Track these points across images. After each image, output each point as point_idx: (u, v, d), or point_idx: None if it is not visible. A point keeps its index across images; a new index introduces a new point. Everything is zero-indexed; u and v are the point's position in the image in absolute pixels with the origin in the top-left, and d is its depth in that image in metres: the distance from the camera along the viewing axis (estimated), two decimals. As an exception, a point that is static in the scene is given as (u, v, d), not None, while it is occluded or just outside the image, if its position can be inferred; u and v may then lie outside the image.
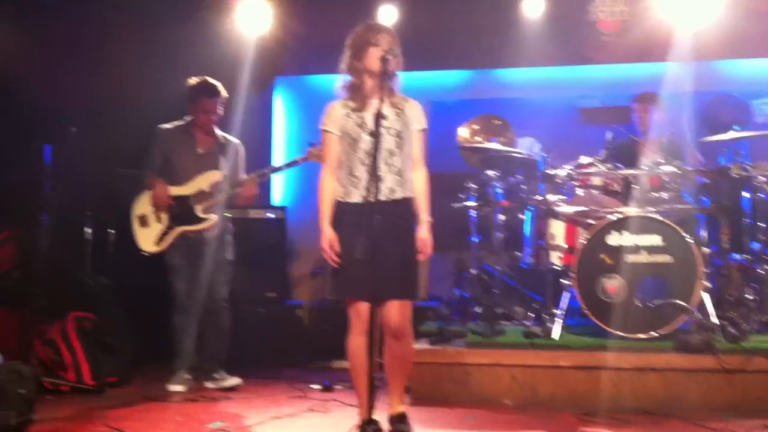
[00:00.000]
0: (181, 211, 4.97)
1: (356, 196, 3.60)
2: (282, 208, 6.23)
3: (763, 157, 5.25)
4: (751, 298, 4.90)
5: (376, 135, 3.36)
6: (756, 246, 5.07)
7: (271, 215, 6.15)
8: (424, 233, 3.69)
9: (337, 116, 3.68)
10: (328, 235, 3.61)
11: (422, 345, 4.80)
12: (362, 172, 3.58)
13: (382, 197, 3.57)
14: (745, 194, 5.11)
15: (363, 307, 3.49)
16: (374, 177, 3.35)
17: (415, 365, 4.50)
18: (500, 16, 6.55)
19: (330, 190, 3.67)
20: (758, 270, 4.99)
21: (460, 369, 4.61)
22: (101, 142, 5.75)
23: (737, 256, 5.17)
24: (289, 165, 5.04)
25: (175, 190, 4.99)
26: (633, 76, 6.57)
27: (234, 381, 5.00)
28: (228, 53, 6.26)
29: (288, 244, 6.35)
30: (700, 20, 6.04)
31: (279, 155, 7.04)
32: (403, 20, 6.50)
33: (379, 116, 3.40)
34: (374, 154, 3.37)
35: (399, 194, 3.64)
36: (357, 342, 3.57)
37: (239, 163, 5.20)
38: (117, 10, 5.99)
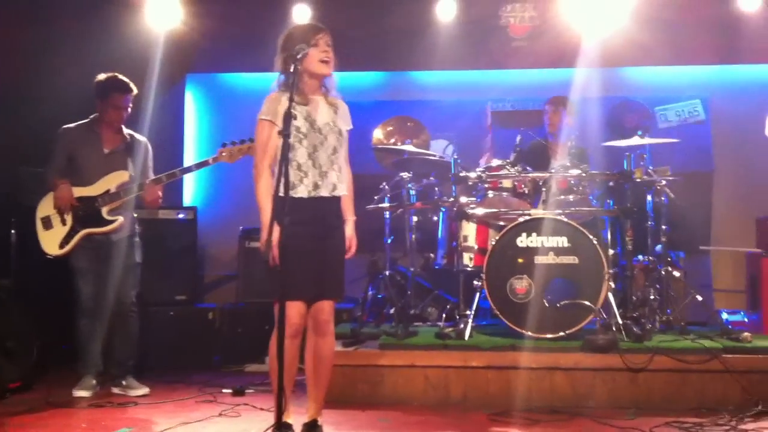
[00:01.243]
0: (86, 212, 4.80)
1: (302, 191, 3.56)
2: (192, 209, 6.09)
3: (665, 161, 5.43)
4: (653, 297, 5.07)
5: (285, 135, 3.31)
6: (658, 248, 5.26)
7: (182, 216, 6.00)
8: (350, 231, 3.74)
9: (277, 107, 3.59)
10: (275, 234, 3.47)
11: (336, 347, 4.74)
12: (309, 167, 3.57)
13: (326, 193, 3.59)
14: (648, 198, 5.29)
15: (291, 308, 3.46)
16: (286, 175, 3.28)
17: (328, 368, 4.52)
18: (414, 18, 6.58)
19: (268, 184, 3.57)
20: (661, 271, 5.17)
21: (373, 371, 4.62)
22: (1, 140, 5.50)
23: (641, 258, 5.36)
24: (199, 165, 4.93)
25: (80, 191, 4.81)
26: (543, 80, 6.72)
27: (142, 390, 4.86)
28: (136, 49, 6.09)
29: (199, 245, 6.22)
30: (606, 28, 6.22)
31: (190, 154, 6.88)
32: (317, 20, 6.43)
33: (289, 116, 3.35)
34: (285, 154, 3.31)
35: (339, 191, 3.67)
36: (289, 343, 3.44)
37: (148, 163, 5.06)
38: (12, 2, 5.76)
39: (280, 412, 3.18)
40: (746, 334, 4.68)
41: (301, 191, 3.54)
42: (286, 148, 3.30)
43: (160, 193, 4.90)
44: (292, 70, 3.47)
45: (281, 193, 3.25)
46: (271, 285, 3.44)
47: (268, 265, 3.40)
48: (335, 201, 3.66)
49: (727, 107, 6.46)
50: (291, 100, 3.42)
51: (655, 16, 6.19)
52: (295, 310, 3.48)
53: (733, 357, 4.44)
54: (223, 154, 4.71)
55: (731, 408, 4.23)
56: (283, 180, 3.25)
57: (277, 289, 3.30)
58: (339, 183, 3.66)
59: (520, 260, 4.81)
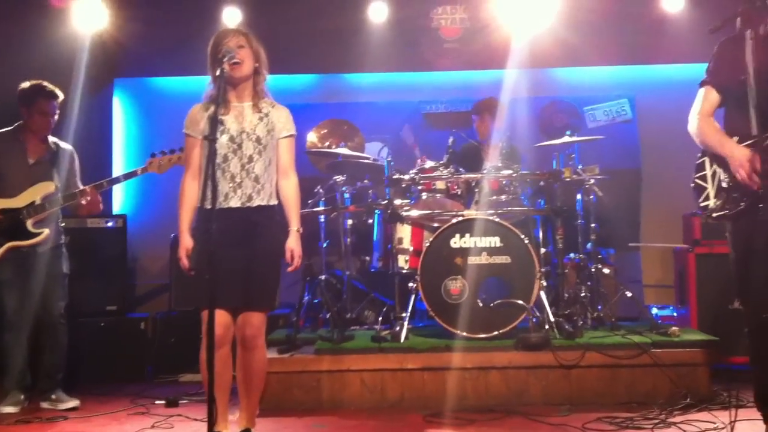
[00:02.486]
0: (10, 225, 4.64)
1: (235, 201, 3.51)
2: (122, 217, 5.95)
3: (594, 160, 5.52)
4: (584, 295, 5.16)
5: (211, 140, 3.26)
6: (589, 245, 5.35)
7: (111, 224, 5.86)
8: (292, 243, 3.62)
9: (198, 119, 3.57)
10: (184, 244, 3.51)
11: (271, 354, 4.72)
12: (220, 178, 3.50)
13: (238, 203, 3.51)
14: (578, 196, 5.38)
15: (223, 318, 3.43)
16: (212, 184, 3.24)
17: (262, 375, 4.47)
18: (346, 20, 6.57)
19: (190, 195, 3.56)
20: (591, 268, 5.26)
21: (309, 376, 4.59)
22: None
23: (572, 256, 5.45)
24: (127, 176, 4.81)
25: (4, 203, 4.66)
26: (475, 82, 6.79)
27: (72, 403, 4.73)
28: (61, 53, 5.93)
29: (129, 254, 6.08)
30: (535, 29, 6.31)
31: (119, 160, 6.73)
32: (248, 23, 6.38)
33: (215, 121, 3.31)
34: (212, 160, 3.26)
35: (256, 201, 3.56)
36: (216, 354, 3.41)
37: (75, 171, 4.94)
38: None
39: (211, 422, 3.13)
40: (674, 328, 4.79)
41: (210, 202, 3.44)
42: (212, 154, 3.26)
43: (99, 198, 4.79)
44: (218, 74, 3.43)
45: (206, 204, 3.21)
46: (196, 294, 3.43)
47: (197, 274, 3.37)
48: (254, 211, 3.55)
49: (653, 106, 6.62)
50: (217, 105, 3.38)
51: (582, 17, 6.30)
52: (216, 320, 3.40)
53: (661, 351, 4.54)
54: (152, 164, 4.62)
55: (661, 401, 4.32)
56: (208, 189, 3.22)
57: (200, 298, 3.27)
58: (255, 193, 3.55)
59: (453, 261, 4.83)
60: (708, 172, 3.45)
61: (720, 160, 3.38)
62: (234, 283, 3.46)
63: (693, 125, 3.51)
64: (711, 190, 3.41)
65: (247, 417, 3.64)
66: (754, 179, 3.16)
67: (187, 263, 3.48)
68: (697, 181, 3.49)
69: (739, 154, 3.24)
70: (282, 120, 3.67)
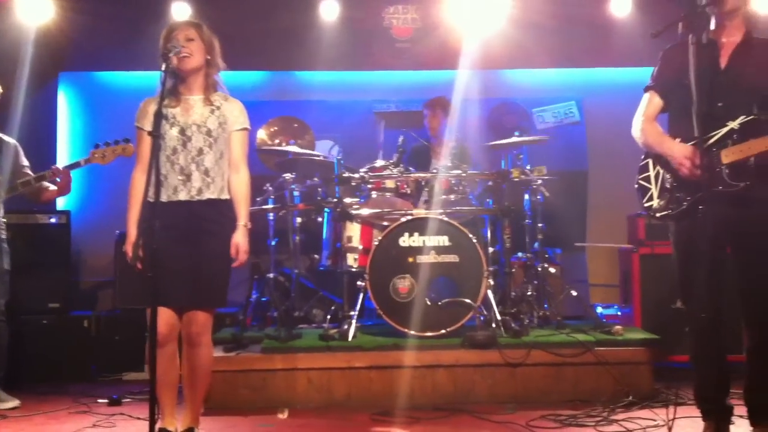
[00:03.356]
0: (-50, 220, 4.53)
1: (164, 196, 3.42)
2: (65, 213, 5.82)
3: (542, 161, 5.58)
4: (531, 293, 5.22)
5: (155, 135, 3.21)
6: (536, 245, 5.41)
7: (54, 220, 5.73)
8: (239, 238, 3.56)
9: (148, 112, 3.51)
10: (132, 239, 3.46)
11: (217, 352, 4.66)
12: (168, 170, 3.46)
13: (187, 197, 3.48)
14: (526, 196, 5.44)
15: (162, 316, 3.35)
16: (156, 178, 3.21)
17: (208, 374, 4.42)
18: (298, 18, 6.54)
19: (139, 190, 3.45)
20: (538, 267, 5.32)
21: (256, 375, 4.55)
22: None
23: (520, 255, 5.51)
24: (70, 167, 4.72)
25: (-56, 199, 4.54)
26: (426, 82, 6.81)
27: (12, 403, 4.63)
28: (5, 46, 5.81)
29: (73, 250, 5.96)
30: (486, 31, 6.35)
31: (63, 156, 6.59)
32: (196, 17, 6.31)
33: (159, 116, 3.26)
34: (156, 154, 3.22)
35: (206, 195, 3.52)
36: (160, 352, 3.36)
37: (22, 163, 4.87)
38: None
39: (152, 421, 3.09)
40: (618, 327, 4.87)
41: (163, 196, 3.39)
42: (156, 149, 3.22)
43: (71, 177, 4.71)
44: (163, 68, 3.38)
45: (150, 198, 3.17)
46: (142, 292, 3.34)
47: (142, 271, 3.32)
48: (205, 205, 3.51)
49: (600, 109, 6.72)
50: (162, 99, 3.33)
51: (532, 20, 6.36)
52: (160, 319, 3.33)
53: (605, 350, 4.61)
54: (96, 155, 4.53)
55: (604, 399, 4.38)
56: (153, 183, 3.18)
57: (146, 296, 3.20)
58: (205, 187, 3.51)
59: (402, 260, 4.85)
60: (651, 173, 3.51)
61: (663, 161, 3.45)
62: (181, 280, 3.41)
63: (636, 128, 3.58)
64: (654, 191, 3.47)
65: (191, 415, 3.59)
66: (696, 173, 3.22)
67: (133, 259, 3.40)
68: (640, 182, 3.56)
69: (678, 151, 3.32)
70: (235, 113, 3.64)
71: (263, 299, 5.41)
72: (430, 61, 6.69)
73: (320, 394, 4.55)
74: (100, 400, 4.73)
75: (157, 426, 3.27)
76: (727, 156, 3.24)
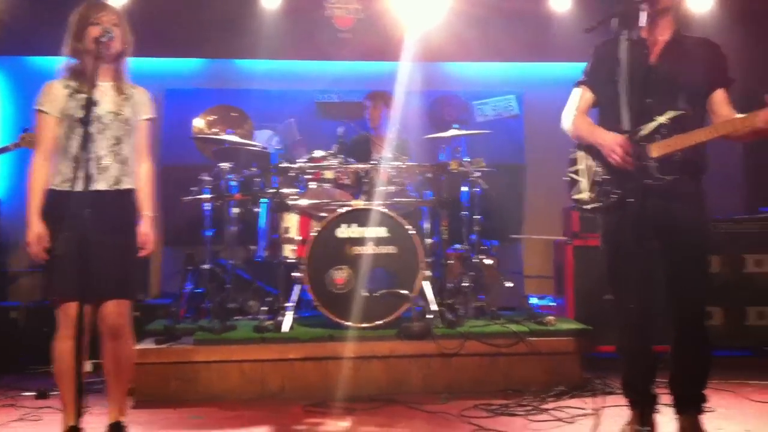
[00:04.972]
0: None
1: (76, 185, 3.31)
2: (-6, 200, 5.68)
3: (482, 154, 5.62)
4: (467, 285, 5.25)
5: (84, 123, 3.12)
6: (473, 237, 5.45)
7: (-19, 208, 5.58)
8: (146, 228, 3.53)
9: (57, 96, 3.40)
10: (35, 229, 3.33)
11: (148, 345, 4.61)
12: (84, 158, 3.34)
13: (105, 186, 3.40)
14: (464, 188, 5.47)
15: (72, 308, 3.25)
16: (84, 167, 3.12)
17: (139, 366, 4.35)
18: (238, 5, 6.47)
19: (41, 177, 3.39)
20: (474, 259, 5.36)
21: (188, 367, 4.49)
22: None
23: (457, 246, 5.54)
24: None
25: None
26: (369, 73, 6.80)
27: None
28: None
29: (1, 239, 5.79)
30: (428, 23, 6.37)
31: (-7, 142, 6.40)
32: (135, 3, 6.20)
33: (89, 102, 3.17)
34: (84, 142, 3.13)
35: (124, 184, 3.47)
36: (64, 346, 3.30)
37: None
38: None
39: (78, 413, 3.01)
40: (550, 317, 4.94)
41: (76, 184, 3.21)
42: (87, 136, 3.13)
43: None
44: (96, 53, 3.28)
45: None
46: (62, 283, 3.25)
47: (64, 261, 3.21)
48: (119, 195, 3.45)
49: (539, 103, 6.79)
50: (92, 85, 3.23)
51: (473, 13, 6.40)
52: (70, 310, 3.25)
53: (537, 340, 4.67)
54: (25, 139, 4.41)
55: (535, 388, 4.45)
56: (80, 172, 3.08)
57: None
58: (123, 176, 3.45)
59: (340, 251, 4.83)
60: (582, 165, 3.55)
61: (594, 153, 3.49)
62: (102, 272, 3.33)
63: (567, 121, 3.62)
64: (584, 183, 3.52)
65: (118, 408, 3.51)
66: (627, 160, 3.27)
67: (36, 250, 3.30)
68: (570, 174, 3.60)
69: (611, 138, 3.35)
70: (144, 102, 3.58)
71: (198, 290, 5.33)
72: (372, 52, 6.68)
73: (254, 386, 4.51)
74: (26, 393, 4.62)
75: (68, 423, 3.22)
76: (655, 150, 3.30)
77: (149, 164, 3.61)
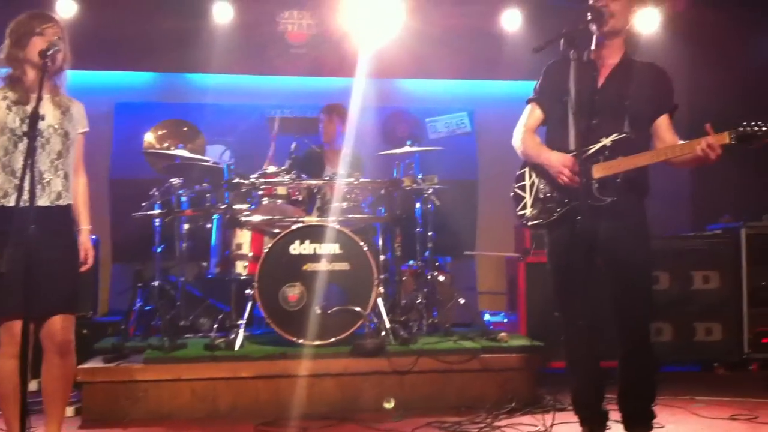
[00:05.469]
0: None
1: (20, 201, 3.19)
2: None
3: (434, 171, 5.64)
4: (421, 301, 5.25)
5: (30, 137, 3.05)
6: (427, 253, 5.46)
7: None
8: (86, 243, 3.50)
9: None
10: None
11: (96, 363, 4.51)
12: (26, 174, 3.26)
13: (47, 202, 3.33)
14: (417, 205, 5.48)
15: (16, 326, 3.16)
16: (31, 181, 3.04)
17: (87, 385, 4.29)
18: (190, 19, 6.42)
19: None
20: (427, 276, 5.36)
21: (136, 386, 4.40)
22: None
23: (411, 263, 5.54)
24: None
25: None
26: (322, 88, 6.80)
27: None
28: None
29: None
30: (382, 40, 6.39)
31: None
32: (84, 15, 6.13)
33: (35, 116, 3.10)
34: (30, 156, 3.05)
35: (65, 200, 3.41)
36: (7, 365, 3.21)
37: None
38: None
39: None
40: (503, 334, 4.97)
41: (14, 200, 3.18)
42: (32, 150, 3.05)
43: None
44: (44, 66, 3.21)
45: (21, 202, 3.00)
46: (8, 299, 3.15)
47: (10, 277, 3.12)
48: (59, 210, 3.39)
49: (490, 120, 6.88)
50: (39, 98, 3.15)
51: (426, 30, 6.45)
52: (14, 328, 3.17)
53: (490, 356, 4.69)
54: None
55: (488, 405, 4.45)
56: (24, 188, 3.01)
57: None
58: (64, 191, 3.41)
59: (293, 268, 4.79)
60: (527, 182, 3.61)
61: (539, 171, 3.54)
62: (53, 286, 3.27)
63: (517, 138, 3.67)
64: (528, 200, 3.57)
65: (57, 427, 3.42)
66: (575, 180, 3.32)
67: None
68: (516, 190, 3.65)
69: (557, 159, 3.41)
70: (81, 115, 3.55)
71: (147, 308, 5.23)
72: (325, 68, 6.69)
73: (204, 405, 4.43)
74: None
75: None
76: (598, 171, 3.36)
77: (85, 178, 3.59)
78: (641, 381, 3.49)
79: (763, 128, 3.06)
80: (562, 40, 3.39)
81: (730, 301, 5.74)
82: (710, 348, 5.69)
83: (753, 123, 3.08)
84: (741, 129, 3.09)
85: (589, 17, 3.41)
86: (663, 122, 3.47)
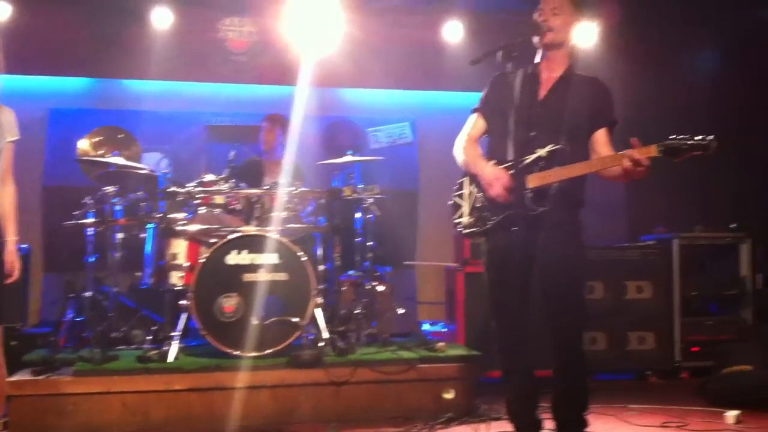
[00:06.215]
0: None
1: None
2: None
3: (376, 180, 5.65)
4: (360, 311, 5.23)
5: None
6: (366, 263, 5.44)
7: None
8: (12, 255, 3.41)
9: None
10: None
11: (24, 376, 4.37)
12: None
13: None
14: (357, 214, 5.47)
15: None
16: None
17: (15, 398, 4.16)
18: (127, 24, 6.30)
19: None
20: (367, 286, 5.35)
21: (67, 399, 4.27)
22: None
23: (351, 273, 5.52)
24: None
25: None
26: (263, 97, 6.74)
27: None
28: None
29: None
30: (324, 49, 6.35)
31: None
32: (18, 18, 5.97)
33: None
34: None
35: None
36: None
37: None
38: None
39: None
40: (441, 344, 4.97)
41: None
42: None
43: None
44: None
45: None
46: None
47: None
48: None
49: (432, 130, 6.90)
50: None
51: (368, 40, 6.45)
52: None
53: (428, 366, 4.69)
54: None
55: (425, 415, 4.45)
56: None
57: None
58: None
59: (229, 278, 4.72)
60: (466, 191, 3.62)
61: (476, 180, 3.56)
62: None
63: (458, 148, 3.68)
64: (466, 208, 3.58)
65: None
66: (502, 194, 3.35)
67: None
68: (455, 198, 3.67)
69: (489, 171, 3.43)
70: (11, 122, 3.46)
71: (79, 319, 5.10)
72: (266, 76, 6.63)
73: (136, 418, 4.33)
74: None
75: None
76: (532, 181, 3.39)
77: (12, 188, 3.50)
78: (575, 389, 3.52)
79: (689, 141, 3.12)
80: (498, 53, 3.42)
81: (662, 311, 5.87)
82: (643, 357, 5.80)
83: (680, 136, 3.14)
84: (668, 142, 3.15)
85: (530, 30, 3.46)
86: (601, 136, 3.51)
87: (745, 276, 6.07)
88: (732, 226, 6.16)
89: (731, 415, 4.41)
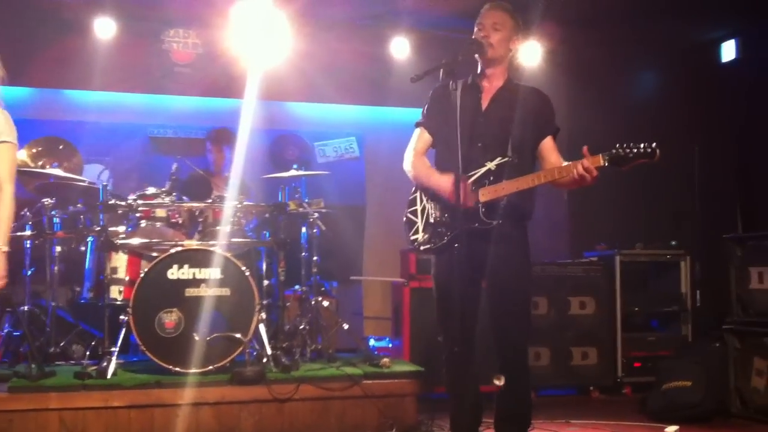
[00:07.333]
0: None
1: None
2: None
3: (323, 195, 5.62)
4: (304, 327, 5.18)
5: None
6: (312, 278, 5.40)
7: None
8: None
9: None
10: None
11: (-46, 394, 4.22)
12: None
13: None
14: (303, 229, 5.43)
15: None
16: None
17: (-57, 417, 3.98)
18: (70, 33, 6.18)
19: None
20: (312, 301, 5.30)
21: (1, 417, 4.12)
22: None
23: (295, 288, 5.47)
24: None
25: None
26: (208, 109, 6.68)
27: None
28: None
29: None
30: (270, 62, 6.31)
31: None
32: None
33: None
34: None
35: None
36: None
37: None
38: None
39: None
40: (386, 359, 4.94)
41: None
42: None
43: None
44: None
45: None
46: None
47: None
48: None
49: (379, 145, 6.92)
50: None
51: (316, 54, 6.44)
52: None
53: (372, 382, 4.65)
54: None
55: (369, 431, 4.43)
56: None
57: None
58: None
59: (170, 293, 4.62)
60: (419, 207, 3.62)
61: (430, 195, 3.57)
62: None
63: (407, 162, 3.69)
64: (420, 224, 3.58)
65: None
66: (472, 197, 3.36)
67: None
68: (408, 215, 3.66)
69: (445, 183, 3.44)
70: (1, 124, 3.41)
71: (16, 333, 4.94)
72: (211, 89, 6.57)
73: (72, 437, 4.21)
74: None
75: None
76: (484, 195, 3.41)
77: (9, 193, 3.47)
78: (518, 404, 3.54)
79: (634, 150, 3.19)
80: (440, 71, 3.44)
81: (604, 327, 5.95)
82: (586, 372, 5.87)
83: (624, 145, 3.21)
84: (614, 151, 3.22)
85: (471, 48, 3.49)
86: (547, 144, 3.56)
87: (685, 293, 6.19)
88: (672, 243, 6.28)
89: (671, 430, 4.50)
